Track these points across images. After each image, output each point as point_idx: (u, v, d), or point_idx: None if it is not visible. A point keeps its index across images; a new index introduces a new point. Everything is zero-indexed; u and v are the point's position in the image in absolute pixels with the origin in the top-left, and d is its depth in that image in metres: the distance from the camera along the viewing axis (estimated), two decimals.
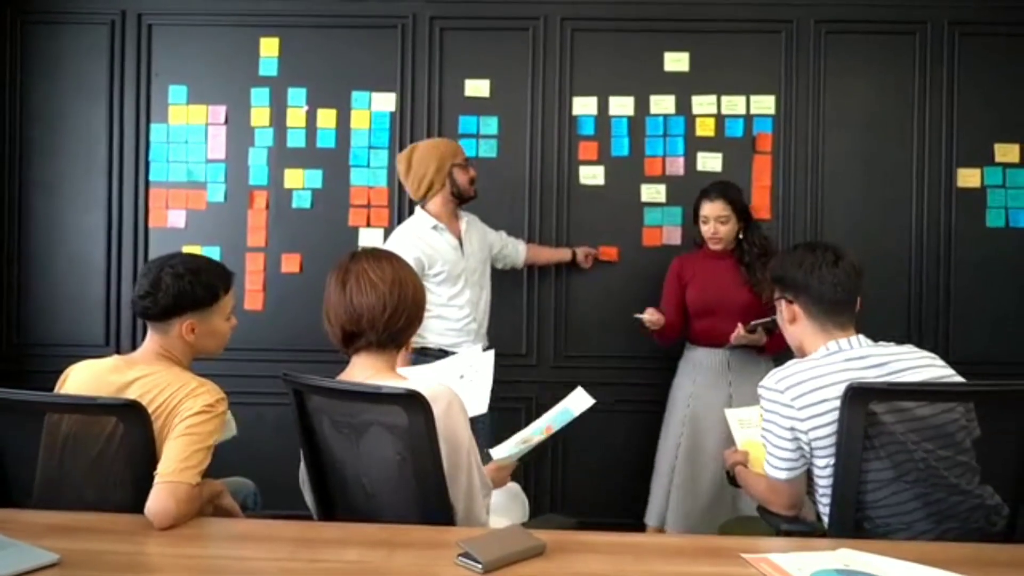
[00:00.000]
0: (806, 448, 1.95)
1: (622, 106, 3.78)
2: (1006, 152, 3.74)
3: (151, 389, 1.97)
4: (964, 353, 3.70)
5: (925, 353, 2.04)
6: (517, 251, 3.56)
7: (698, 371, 3.31)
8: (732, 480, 2.33)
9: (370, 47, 3.83)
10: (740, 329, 3.13)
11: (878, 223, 3.77)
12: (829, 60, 3.77)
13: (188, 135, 3.87)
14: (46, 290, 3.88)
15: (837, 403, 1.88)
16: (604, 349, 3.79)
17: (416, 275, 1.98)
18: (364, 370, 1.89)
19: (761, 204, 3.75)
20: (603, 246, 3.76)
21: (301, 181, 3.84)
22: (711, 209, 3.26)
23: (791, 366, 2.01)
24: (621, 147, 3.78)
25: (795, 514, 2.05)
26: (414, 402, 1.70)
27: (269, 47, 3.84)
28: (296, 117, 3.84)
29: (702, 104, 3.77)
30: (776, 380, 1.98)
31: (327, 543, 1.67)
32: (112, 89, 3.87)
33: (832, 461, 1.91)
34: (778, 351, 3.14)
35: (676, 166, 3.77)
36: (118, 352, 3.78)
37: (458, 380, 2.57)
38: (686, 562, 1.63)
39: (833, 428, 1.89)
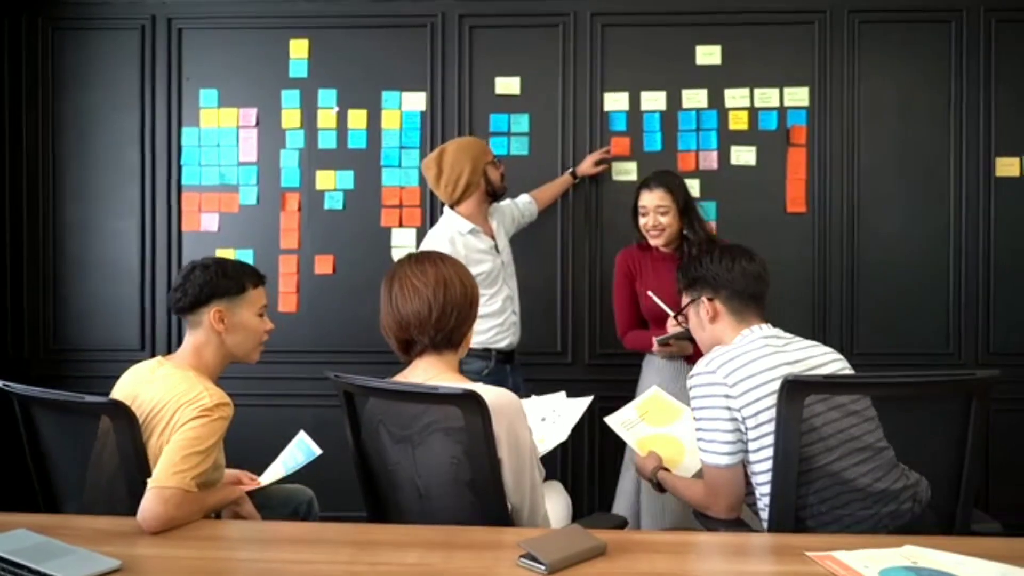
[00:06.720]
0: (742, 428, 1.96)
1: (654, 101, 3.75)
2: None
3: (162, 390, 2.02)
4: (1003, 345, 3.68)
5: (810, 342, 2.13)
6: (532, 211, 3.55)
7: (660, 376, 3.06)
8: (659, 487, 2.29)
9: (400, 47, 3.81)
10: (655, 345, 2.95)
11: (915, 214, 3.71)
12: (863, 50, 3.72)
13: (220, 138, 3.87)
14: (81, 296, 3.90)
15: (764, 378, 1.93)
16: None
17: (465, 271, 1.96)
18: (424, 372, 1.89)
19: (796, 197, 3.71)
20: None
21: (333, 182, 3.83)
22: (649, 199, 3.03)
23: (715, 350, 2.07)
24: (654, 142, 3.75)
25: (736, 516, 2.01)
26: (471, 402, 1.69)
27: (299, 49, 3.84)
28: (327, 118, 3.83)
29: (735, 97, 3.73)
30: (705, 364, 2.03)
31: (386, 545, 1.66)
32: (143, 94, 3.88)
33: (765, 443, 1.90)
34: None
35: (709, 160, 3.73)
36: (153, 355, 3.80)
37: (539, 423, 2.51)
38: (751, 561, 1.61)
39: (762, 405, 1.92)
